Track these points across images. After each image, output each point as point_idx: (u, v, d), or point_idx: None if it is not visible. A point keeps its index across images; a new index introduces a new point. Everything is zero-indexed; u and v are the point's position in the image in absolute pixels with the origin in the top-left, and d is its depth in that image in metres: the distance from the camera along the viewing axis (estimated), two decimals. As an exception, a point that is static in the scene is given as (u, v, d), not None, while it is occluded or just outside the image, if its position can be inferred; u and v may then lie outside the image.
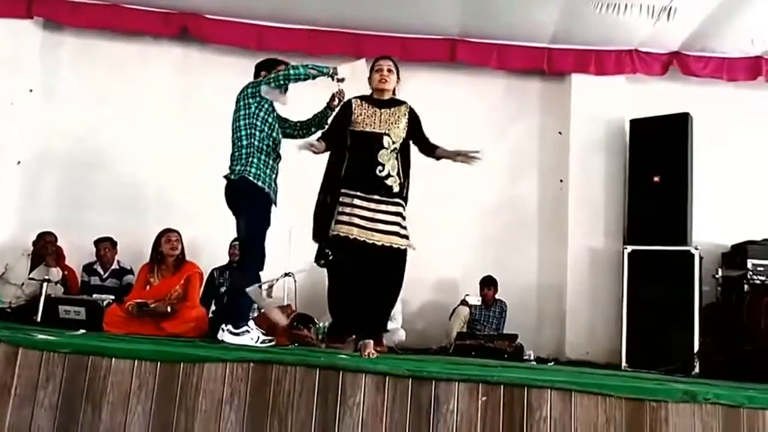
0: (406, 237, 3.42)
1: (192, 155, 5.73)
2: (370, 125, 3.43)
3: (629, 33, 5.66)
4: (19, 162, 5.77)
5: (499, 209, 6.05)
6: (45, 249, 5.16)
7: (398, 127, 3.45)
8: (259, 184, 3.52)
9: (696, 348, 4.85)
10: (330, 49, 5.71)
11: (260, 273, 3.72)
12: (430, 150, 3.56)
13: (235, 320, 3.49)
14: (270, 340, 3.53)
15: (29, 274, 5.06)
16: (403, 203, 3.47)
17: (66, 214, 5.64)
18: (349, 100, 3.54)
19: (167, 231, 4.55)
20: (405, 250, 3.41)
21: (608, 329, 5.59)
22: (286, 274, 4.93)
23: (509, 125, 6.21)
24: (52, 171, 5.86)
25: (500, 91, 6.22)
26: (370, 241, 3.32)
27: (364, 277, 3.35)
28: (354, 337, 3.43)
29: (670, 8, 5.19)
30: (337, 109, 3.65)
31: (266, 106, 3.61)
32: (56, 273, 5.05)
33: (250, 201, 3.53)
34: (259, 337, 3.47)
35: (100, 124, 5.81)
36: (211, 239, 5.36)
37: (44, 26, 5.92)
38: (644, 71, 5.94)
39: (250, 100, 3.59)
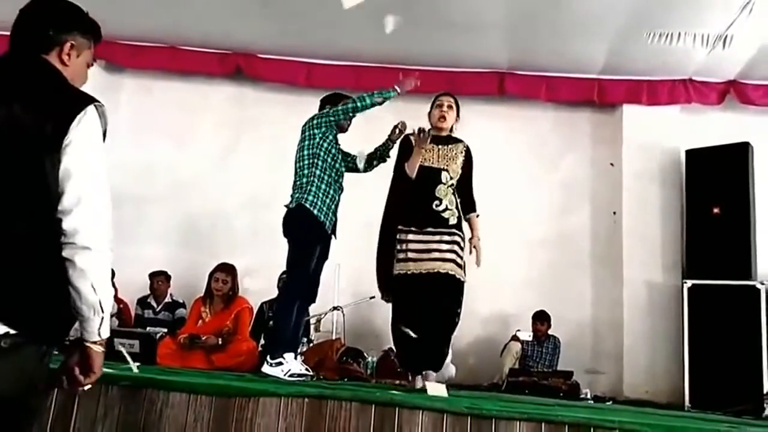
0: (461, 266, 3.32)
1: (245, 188, 5.86)
2: (429, 160, 3.40)
3: (683, 62, 5.55)
4: (80, 198, 5.94)
5: (551, 242, 5.93)
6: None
7: (456, 164, 3.44)
8: (315, 212, 3.47)
9: (766, 388, 4.58)
10: (377, 84, 5.75)
11: (308, 304, 3.69)
12: (465, 205, 3.47)
13: (272, 351, 3.43)
14: (306, 375, 3.42)
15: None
16: (461, 234, 3.38)
17: (122, 248, 5.68)
18: (407, 136, 3.51)
19: (218, 269, 4.60)
20: (463, 281, 3.32)
21: (668, 367, 5.36)
22: (335, 308, 4.93)
23: (560, 157, 6.13)
24: (112, 207, 6.00)
25: (550, 123, 6.18)
26: (425, 271, 3.25)
27: (423, 308, 3.25)
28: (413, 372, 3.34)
29: (726, 36, 5.06)
30: (397, 144, 3.63)
31: (330, 137, 3.61)
32: (112, 306, 5.13)
33: (302, 228, 3.48)
34: (289, 370, 3.35)
35: (156, 161, 5.98)
36: (265, 272, 5.37)
37: (105, 68, 6.16)
38: (699, 101, 5.81)
39: (315, 131, 3.59)
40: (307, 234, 3.48)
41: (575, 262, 5.93)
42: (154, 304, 5.37)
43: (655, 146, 5.83)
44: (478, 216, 3.49)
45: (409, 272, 3.27)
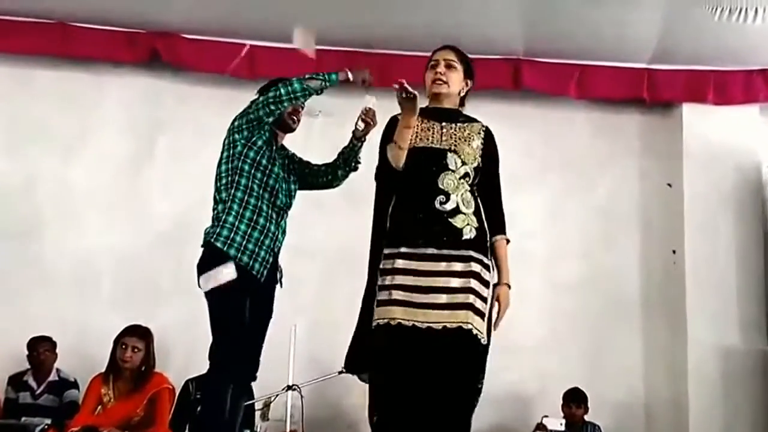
0: (482, 315, 2.93)
1: (163, 215, 5.80)
2: (426, 140, 3.07)
3: (762, 45, 5.62)
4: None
5: (585, 288, 5.92)
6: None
7: (470, 147, 3.08)
8: (232, 252, 3.27)
9: None
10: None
11: (246, 382, 3.59)
12: (492, 222, 3.09)
13: None
14: None
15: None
16: (483, 258, 2.98)
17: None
18: (392, 118, 3.17)
19: (126, 332, 4.54)
20: (482, 339, 2.92)
21: (751, 457, 5.38)
22: (290, 387, 4.84)
23: (597, 174, 6.17)
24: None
25: (583, 127, 6.21)
26: (424, 326, 2.84)
27: (418, 388, 2.82)
28: None
29: (819, 9, 5.15)
30: (381, 134, 3.24)
31: (259, 143, 3.42)
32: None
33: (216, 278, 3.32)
34: None
35: (37, 178, 5.87)
36: (191, 335, 5.26)
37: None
38: (787, 98, 5.92)
39: (236, 136, 3.42)
40: (224, 286, 3.28)
41: (619, 317, 5.91)
42: (34, 384, 5.21)
43: (727, 160, 5.89)
44: (508, 243, 3.10)
45: (394, 323, 2.85)
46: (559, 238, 5.96)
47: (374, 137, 3.32)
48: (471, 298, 2.87)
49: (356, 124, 3.47)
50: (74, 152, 5.96)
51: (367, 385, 3.12)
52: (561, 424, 5.26)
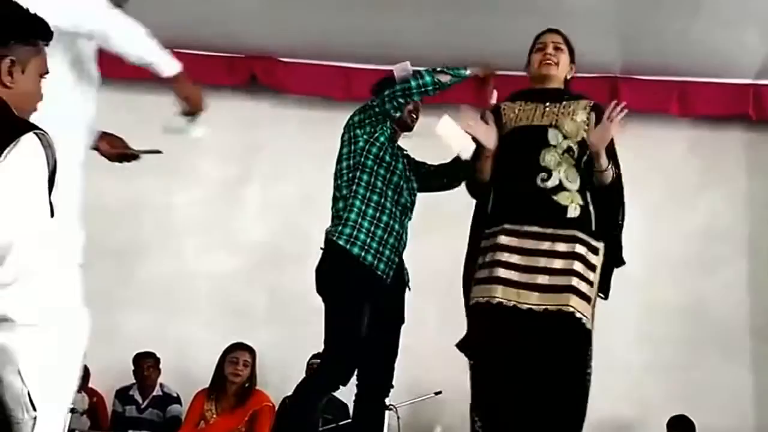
0: (587, 299, 2.83)
1: (257, 240, 5.90)
2: (527, 119, 3.01)
3: None
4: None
5: (688, 313, 5.79)
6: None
7: (573, 120, 2.98)
8: (355, 250, 3.13)
9: None
10: (455, 96, 5.78)
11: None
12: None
13: None
14: None
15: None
16: (589, 239, 2.88)
17: (96, 320, 5.77)
18: (497, 105, 3.16)
19: (236, 347, 4.67)
20: (583, 319, 2.80)
21: None
22: (386, 408, 4.83)
23: (698, 193, 6.03)
24: (84, 262, 6.12)
25: (684, 145, 6.12)
26: (525, 307, 2.76)
27: (520, 374, 2.75)
28: None
29: None
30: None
31: (381, 139, 3.30)
32: (81, 401, 5.17)
33: (337, 277, 3.17)
34: None
35: (142, 201, 6.07)
36: (287, 356, 5.35)
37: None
38: None
39: (357, 131, 3.28)
40: (346, 285, 3.16)
41: (725, 342, 5.74)
42: (139, 399, 5.37)
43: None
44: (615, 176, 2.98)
45: (494, 301, 2.79)
46: (658, 261, 5.82)
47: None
48: (574, 281, 2.79)
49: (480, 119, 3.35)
50: (175, 175, 6.09)
51: (466, 408, 3.04)
52: (665, 453, 5.15)
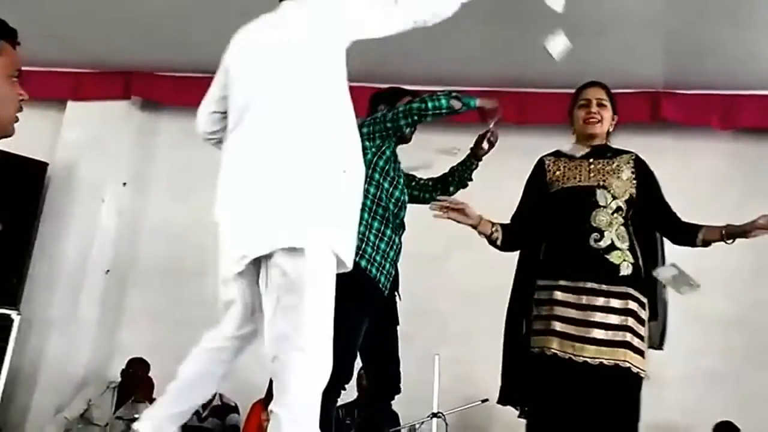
0: (641, 353, 2.91)
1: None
2: (574, 179, 3.09)
3: None
4: (107, 271, 6.41)
5: (737, 324, 5.79)
6: (134, 380, 5.59)
7: (620, 178, 3.06)
8: (362, 263, 3.10)
9: None
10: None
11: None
12: (684, 232, 3.10)
13: None
14: None
15: (115, 413, 5.46)
16: (640, 296, 2.97)
17: (159, 334, 6.05)
18: (540, 159, 3.25)
19: None
20: (640, 374, 2.89)
21: None
22: (434, 415, 4.96)
23: (744, 204, 5.92)
24: (145, 281, 6.44)
25: (728, 157, 6.12)
26: (580, 360, 2.84)
27: (574, 421, 2.83)
28: None
29: None
30: (527, 176, 3.27)
31: (387, 153, 3.33)
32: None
33: (343, 288, 2.87)
34: None
35: (201, 221, 6.30)
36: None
37: (142, 107, 6.73)
38: None
39: (366, 144, 3.13)
40: (350, 296, 2.90)
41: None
42: (200, 408, 5.41)
43: None
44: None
45: (549, 353, 2.88)
46: (708, 271, 5.77)
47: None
48: (629, 336, 2.88)
49: (480, 144, 3.51)
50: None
51: (512, 415, 3.21)
52: (713, 457, 5.17)
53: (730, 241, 3.04)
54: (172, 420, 2.58)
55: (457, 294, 5.76)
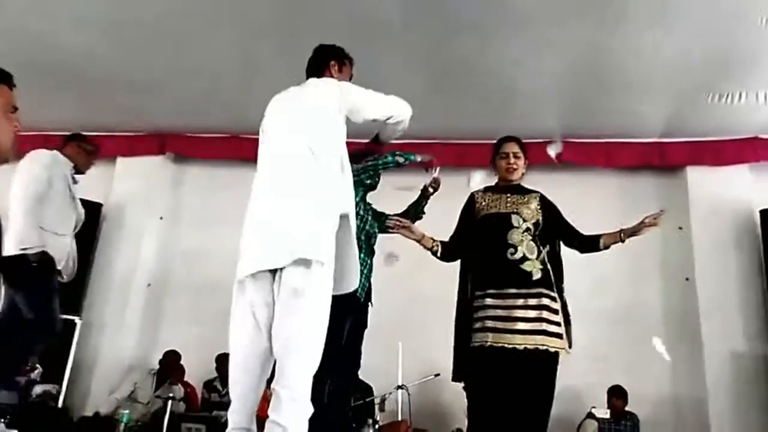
0: (558, 336, 2.93)
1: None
2: (495, 208, 3.14)
3: (747, 120, 5.47)
4: (149, 285, 6.37)
5: (622, 314, 5.79)
6: (169, 367, 5.54)
7: (529, 208, 3.12)
8: None
9: None
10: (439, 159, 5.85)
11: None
12: (587, 242, 3.13)
13: None
14: None
15: (155, 393, 5.38)
16: (550, 292, 2.99)
17: (188, 332, 5.99)
18: (471, 194, 3.29)
19: None
20: (556, 353, 2.91)
21: (762, 444, 5.05)
22: (399, 387, 4.92)
23: (624, 224, 6.00)
24: (177, 292, 6.38)
25: (612, 189, 6.13)
26: (510, 346, 2.87)
27: (507, 392, 2.85)
28: None
29: (789, 93, 5.02)
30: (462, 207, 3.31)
31: (357, 198, 3.23)
32: (179, 390, 5.33)
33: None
34: None
35: (220, 246, 6.24)
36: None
37: (174, 160, 6.73)
38: (768, 159, 5.71)
39: None
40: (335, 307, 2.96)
41: (650, 333, 5.67)
42: (221, 387, 5.47)
43: (725, 208, 5.71)
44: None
45: (487, 344, 2.90)
46: (601, 276, 5.74)
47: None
48: (544, 325, 2.91)
49: (430, 186, 3.59)
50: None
51: (458, 387, 3.16)
52: (606, 413, 5.17)
53: (627, 240, 3.11)
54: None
55: (418, 299, 5.70)
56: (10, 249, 3.42)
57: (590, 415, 5.21)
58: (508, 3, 4.25)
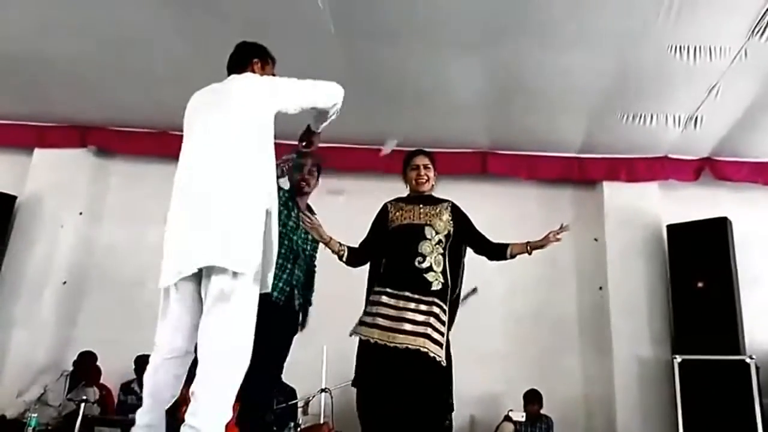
0: (439, 345, 2.94)
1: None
2: (409, 218, 3.15)
3: (658, 140, 5.72)
4: (65, 282, 5.99)
5: (538, 320, 5.94)
6: (84, 369, 5.23)
7: (441, 219, 3.15)
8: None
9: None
10: (360, 164, 5.79)
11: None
12: (496, 250, 3.18)
13: None
14: None
15: (67, 395, 5.07)
16: (443, 304, 3.02)
17: (106, 332, 5.69)
18: (384, 204, 3.30)
19: None
20: (435, 359, 2.91)
21: (664, 443, 5.27)
22: (323, 390, 4.85)
23: (542, 234, 6.14)
24: (95, 290, 6.05)
25: (533, 200, 6.27)
26: (392, 345, 2.88)
27: (392, 391, 2.86)
28: None
29: (696, 117, 5.28)
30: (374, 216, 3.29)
31: (284, 198, 3.26)
32: (93, 393, 5.06)
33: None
34: None
35: (143, 244, 5.99)
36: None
37: (96, 154, 6.35)
38: (676, 177, 5.97)
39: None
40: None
41: (564, 338, 5.92)
42: (138, 390, 5.20)
43: (636, 221, 5.93)
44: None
45: (372, 341, 2.93)
46: (519, 283, 5.89)
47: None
48: (429, 330, 2.93)
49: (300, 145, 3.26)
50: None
51: None
52: (522, 416, 5.25)
53: (532, 252, 3.18)
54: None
55: (343, 301, 5.61)
56: None
57: (507, 418, 5.28)
58: (435, 18, 4.24)
